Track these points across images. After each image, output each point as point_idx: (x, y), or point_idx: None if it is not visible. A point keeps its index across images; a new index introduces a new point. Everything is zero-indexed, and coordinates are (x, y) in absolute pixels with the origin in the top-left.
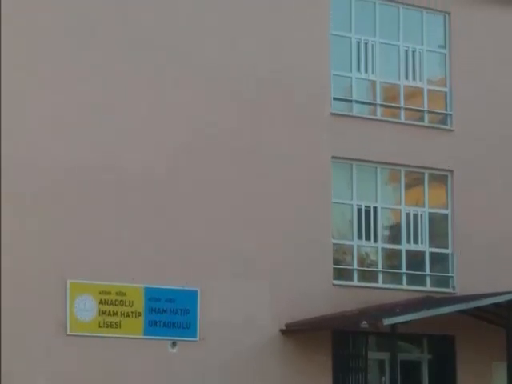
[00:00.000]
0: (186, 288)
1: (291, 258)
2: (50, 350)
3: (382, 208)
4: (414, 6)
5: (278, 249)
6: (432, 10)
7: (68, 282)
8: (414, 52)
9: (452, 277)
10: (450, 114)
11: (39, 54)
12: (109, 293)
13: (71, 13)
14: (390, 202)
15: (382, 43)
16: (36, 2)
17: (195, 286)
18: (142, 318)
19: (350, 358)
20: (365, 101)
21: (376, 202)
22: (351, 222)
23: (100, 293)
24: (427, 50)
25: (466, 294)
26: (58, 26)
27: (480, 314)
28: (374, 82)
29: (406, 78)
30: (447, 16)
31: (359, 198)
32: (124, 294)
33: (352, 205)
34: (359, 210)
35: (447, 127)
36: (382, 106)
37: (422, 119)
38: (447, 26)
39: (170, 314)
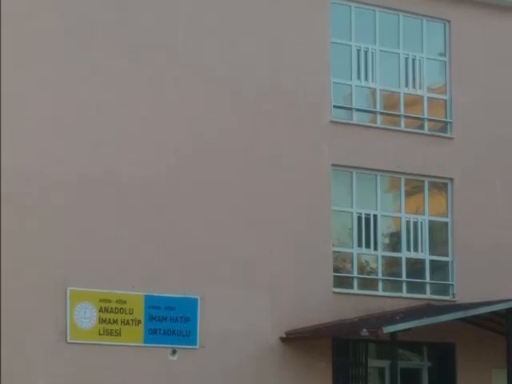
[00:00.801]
0: (187, 296)
1: (291, 266)
2: (49, 357)
3: (381, 216)
4: (414, 13)
5: (278, 256)
6: (432, 17)
7: (68, 289)
8: (413, 60)
9: (452, 284)
10: (450, 122)
11: (39, 53)
12: (109, 301)
13: (71, 13)
14: (390, 210)
15: (382, 51)
16: (36, 2)
17: (195, 293)
18: (142, 326)
19: (350, 366)
20: (365, 109)
21: (376, 209)
22: (351, 229)
23: (100, 301)
24: (427, 58)
25: (466, 301)
26: (58, 26)
27: (480, 321)
28: (373, 90)
29: (406, 85)
30: (447, 24)
31: (359, 206)
32: (124, 302)
33: (352, 212)
34: (359, 218)
35: (447, 135)
36: (381, 113)
37: (421, 127)
38: (447, 33)
39: (170, 321)
